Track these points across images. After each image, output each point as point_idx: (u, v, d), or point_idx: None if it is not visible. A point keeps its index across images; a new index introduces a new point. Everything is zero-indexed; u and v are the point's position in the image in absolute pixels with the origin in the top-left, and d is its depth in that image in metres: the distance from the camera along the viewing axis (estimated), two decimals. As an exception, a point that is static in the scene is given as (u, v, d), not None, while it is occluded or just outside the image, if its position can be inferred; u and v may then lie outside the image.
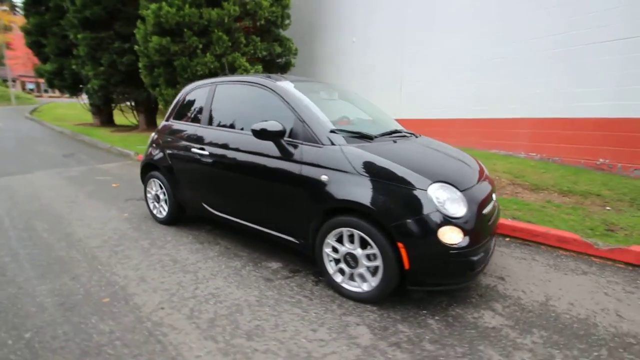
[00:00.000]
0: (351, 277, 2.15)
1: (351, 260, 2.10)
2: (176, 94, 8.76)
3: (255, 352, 1.70)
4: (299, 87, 2.61)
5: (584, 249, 2.85)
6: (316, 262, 2.34)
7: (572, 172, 4.87)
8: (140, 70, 8.89)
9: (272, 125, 2.24)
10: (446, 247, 1.86)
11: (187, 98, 3.26)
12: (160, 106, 9.76)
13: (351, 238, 2.09)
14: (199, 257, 2.76)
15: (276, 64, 9.80)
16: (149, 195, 3.61)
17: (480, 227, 1.98)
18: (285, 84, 2.57)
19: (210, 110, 2.93)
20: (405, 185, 1.93)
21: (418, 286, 2.00)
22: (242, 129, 2.64)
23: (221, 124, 2.82)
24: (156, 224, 3.53)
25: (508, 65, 5.86)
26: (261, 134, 2.28)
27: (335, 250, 2.19)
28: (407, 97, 8.14)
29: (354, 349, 1.72)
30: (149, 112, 12.34)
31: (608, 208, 3.72)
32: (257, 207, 2.58)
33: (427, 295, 2.21)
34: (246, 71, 8.13)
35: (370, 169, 2.03)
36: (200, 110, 3.03)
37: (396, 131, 2.69)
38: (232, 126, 2.74)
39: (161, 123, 3.53)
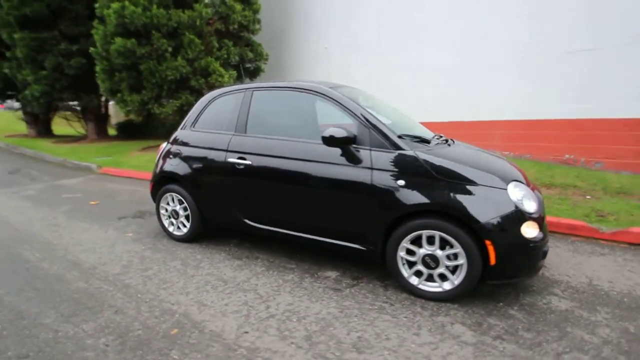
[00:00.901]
0: (429, 278, 2.20)
1: (431, 261, 2.14)
2: (143, 100, 8.16)
3: (375, 364, 1.66)
4: (342, 92, 2.59)
5: (591, 234, 3.24)
6: (386, 267, 2.33)
7: (546, 167, 5.49)
8: (96, 75, 8.02)
9: (343, 132, 2.20)
10: (527, 241, 2.00)
11: (212, 105, 3.04)
12: (121, 114, 8.89)
13: (430, 240, 2.14)
14: (247, 274, 2.59)
15: (246, 69, 9.57)
16: (162, 211, 3.28)
17: (544, 220, 2.17)
18: (337, 91, 2.54)
19: (248, 118, 2.78)
20: (486, 186, 2.04)
21: (498, 280, 2.12)
22: (295, 137, 2.54)
23: (265, 131, 2.69)
24: (173, 242, 3.22)
25: (480, 72, 6.43)
26: (332, 140, 2.22)
27: (410, 252, 2.21)
28: (383, 102, 8.47)
29: (465, 347, 1.76)
30: (99, 120, 11.19)
31: (588, 197, 4.27)
32: (316, 217, 2.50)
33: (493, 288, 2.34)
34: (221, 77, 7.81)
35: (448, 172, 2.10)
36: (234, 118, 2.85)
37: (435, 135, 2.81)
38: (280, 134, 2.62)
39: (176, 132, 3.24)
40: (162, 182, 3.24)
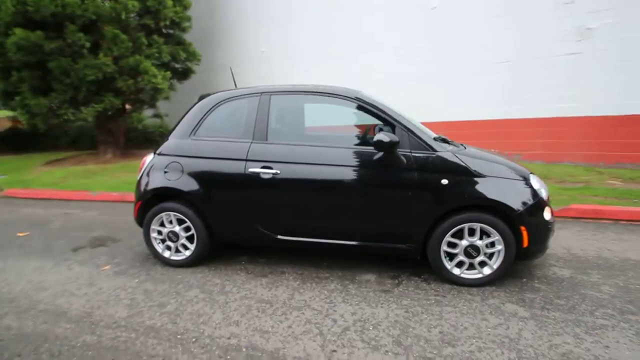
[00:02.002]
0: (469, 267, 2.41)
1: (473, 250, 2.36)
2: (51, 105, 6.66)
3: (474, 353, 1.75)
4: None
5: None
6: (427, 262, 2.47)
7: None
8: (-21, 72, 6.28)
9: (392, 137, 2.25)
10: (547, 223, 2.37)
11: (217, 111, 2.72)
12: (22, 121, 7.11)
13: (470, 231, 2.35)
14: (286, 291, 2.41)
15: (175, 70, 8.72)
16: (154, 235, 2.80)
17: (548, 204, 2.60)
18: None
19: (268, 124, 2.58)
20: (518, 179, 2.34)
21: (529, 259, 2.45)
22: (328, 143, 2.47)
23: (291, 138, 2.54)
24: (171, 269, 2.78)
25: (429, 81, 7.10)
26: (381, 145, 2.24)
27: (451, 245, 2.39)
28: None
29: (527, 321, 2.00)
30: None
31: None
32: (358, 222, 2.48)
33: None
34: (154, 77, 6.95)
35: (484, 169, 2.33)
36: (251, 124, 2.61)
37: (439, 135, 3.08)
38: (309, 140, 2.51)
39: (167, 142, 2.80)
40: (152, 202, 2.76)
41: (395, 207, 2.40)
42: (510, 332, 1.92)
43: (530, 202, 2.31)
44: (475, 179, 2.31)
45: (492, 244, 2.34)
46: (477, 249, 2.35)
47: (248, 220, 2.63)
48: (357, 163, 2.42)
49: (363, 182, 2.42)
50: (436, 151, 2.37)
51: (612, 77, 5.41)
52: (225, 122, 2.73)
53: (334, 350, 1.80)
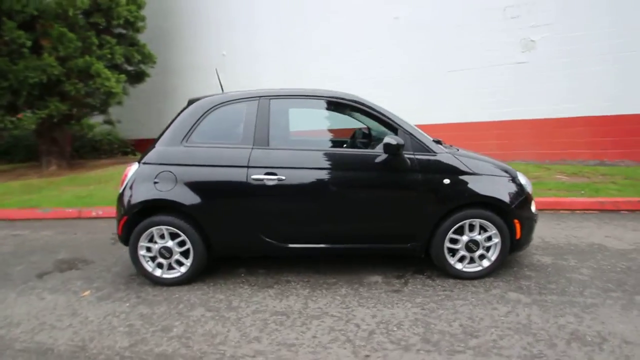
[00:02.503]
0: (470, 261, 2.54)
1: (473, 245, 2.49)
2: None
3: (497, 341, 1.85)
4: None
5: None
6: (432, 260, 2.57)
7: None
8: None
9: (398, 140, 2.30)
10: (533, 215, 2.60)
11: (212, 116, 2.56)
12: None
13: (470, 227, 2.49)
14: (298, 300, 2.34)
15: (128, 72, 8.10)
16: (143, 252, 2.55)
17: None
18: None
19: (269, 129, 2.50)
20: (508, 177, 2.54)
21: (518, 250, 2.65)
22: (332, 146, 2.46)
23: (293, 143, 2.48)
24: (163, 289, 2.56)
25: (378, 84, 7.40)
26: (390, 148, 2.29)
27: (453, 241, 2.51)
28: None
29: (532, 306, 2.16)
30: None
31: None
32: (365, 225, 2.49)
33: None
34: (107, 80, 6.39)
35: (480, 168, 2.49)
36: (250, 129, 2.50)
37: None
38: (312, 145, 2.48)
39: (155, 150, 2.58)
40: (140, 216, 2.52)
41: (401, 208, 2.47)
42: (521, 318, 2.06)
43: (520, 197, 2.52)
44: (473, 177, 2.47)
45: (490, 238, 2.51)
46: (477, 244, 2.50)
47: (251, 230, 2.52)
48: (363, 166, 2.45)
49: (371, 184, 2.45)
50: (436, 153, 2.48)
51: (554, 84, 6.13)
52: (221, 128, 2.59)
53: (368, 355, 1.78)
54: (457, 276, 2.55)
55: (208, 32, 9.19)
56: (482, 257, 2.53)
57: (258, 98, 2.57)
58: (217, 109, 2.59)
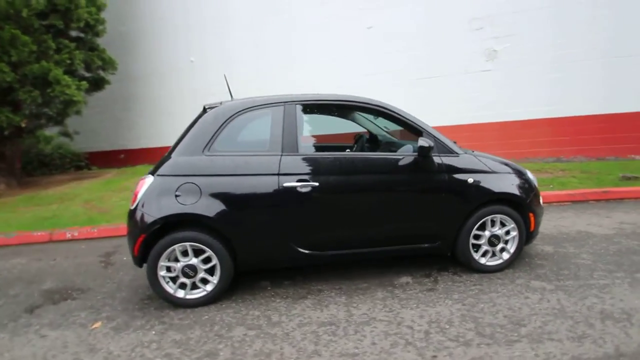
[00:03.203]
0: (492, 255, 2.68)
1: (495, 240, 2.64)
2: None
3: (543, 327, 1.96)
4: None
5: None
6: (456, 258, 2.68)
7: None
8: None
9: (430, 142, 2.38)
10: (542, 208, 2.82)
11: (234, 123, 2.44)
12: None
13: (492, 223, 2.63)
14: (339, 308, 2.29)
15: (86, 79, 7.43)
16: (163, 272, 2.33)
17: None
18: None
19: (297, 135, 2.43)
20: (520, 174, 2.73)
21: (530, 242, 2.84)
22: (363, 150, 2.46)
23: (323, 148, 2.45)
24: (187, 311, 2.35)
25: (361, 94, 7.63)
26: (425, 150, 2.36)
27: (477, 237, 2.64)
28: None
29: (557, 292, 2.33)
30: None
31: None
32: (393, 227, 2.53)
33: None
34: (67, 87, 5.80)
35: (496, 167, 2.65)
36: (278, 136, 2.42)
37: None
38: (342, 150, 2.47)
39: (174, 161, 2.38)
40: (159, 233, 2.30)
41: (431, 208, 2.54)
42: (553, 303, 2.21)
43: (532, 192, 2.72)
44: (493, 176, 2.62)
45: (508, 232, 2.67)
46: (498, 238, 2.65)
47: (282, 240, 2.42)
48: (395, 169, 2.49)
49: (402, 187, 2.50)
50: (459, 154, 2.60)
51: (517, 90, 6.75)
52: (245, 135, 2.49)
53: (435, 356, 1.80)
54: (481, 270, 2.68)
55: (175, 37, 8.76)
56: (502, 250, 2.69)
57: (284, 104, 2.50)
58: (239, 115, 2.47)
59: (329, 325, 2.11)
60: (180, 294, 2.38)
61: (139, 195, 2.36)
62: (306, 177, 2.38)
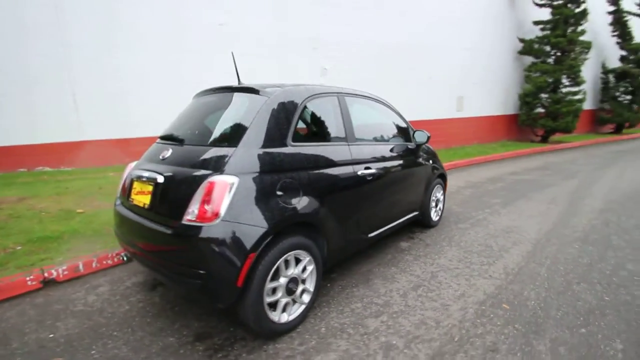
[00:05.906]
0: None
1: (438, 201, 3.79)
2: None
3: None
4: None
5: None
6: (430, 221, 3.65)
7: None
8: None
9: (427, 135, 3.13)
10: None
11: (307, 109, 2.12)
12: None
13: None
14: (381, 292, 2.43)
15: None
16: (269, 299, 1.80)
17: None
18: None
19: (351, 125, 2.47)
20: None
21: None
22: (387, 140, 2.90)
23: (364, 138, 2.64)
24: (266, 342, 1.89)
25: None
26: (425, 141, 3.07)
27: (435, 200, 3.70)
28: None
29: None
30: None
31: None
32: (405, 203, 3.10)
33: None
34: None
35: (433, 153, 3.79)
36: (340, 124, 2.40)
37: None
38: (376, 139, 2.82)
39: (252, 152, 1.81)
40: (272, 242, 1.76)
41: (419, 186, 3.33)
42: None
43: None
44: (436, 159, 3.75)
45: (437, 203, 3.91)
46: (438, 199, 3.83)
47: (358, 228, 2.46)
48: (406, 156, 3.09)
49: (411, 171, 3.15)
50: (422, 143, 3.52)
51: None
52: (316, 122, 2.25)
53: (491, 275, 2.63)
54: (431, 226, 3.76)
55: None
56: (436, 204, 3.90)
57: (336, 94, 2.46)
58: (309, 101, 2.21)
59: (407, 290, 2.45)
60: (284, 318, 1.90)
61: (224, 204, 1.65)
62: (369, 165, 2.53)
